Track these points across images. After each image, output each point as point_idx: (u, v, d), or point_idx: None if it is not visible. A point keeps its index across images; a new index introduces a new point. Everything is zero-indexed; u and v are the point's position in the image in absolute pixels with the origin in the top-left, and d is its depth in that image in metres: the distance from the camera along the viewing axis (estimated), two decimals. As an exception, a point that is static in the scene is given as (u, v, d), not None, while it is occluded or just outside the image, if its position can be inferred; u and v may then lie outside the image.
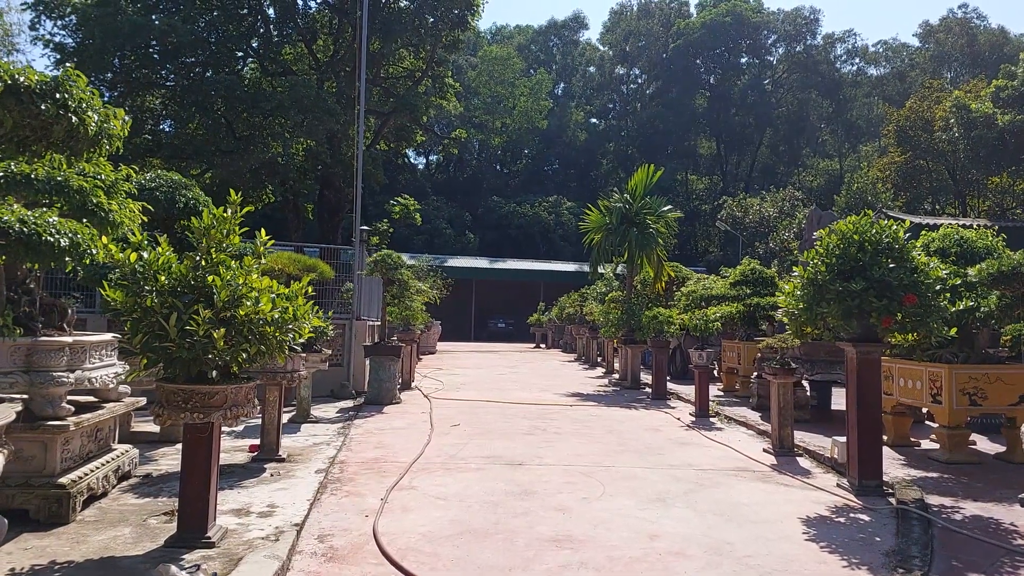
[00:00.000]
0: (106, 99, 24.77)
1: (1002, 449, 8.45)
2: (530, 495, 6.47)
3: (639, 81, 66.31)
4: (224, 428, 9.81)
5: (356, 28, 18.23)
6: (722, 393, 14.81)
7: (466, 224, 50.47)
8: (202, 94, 22.41)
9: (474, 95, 56.15)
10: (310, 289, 5.45)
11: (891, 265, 6.51)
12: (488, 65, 56.60)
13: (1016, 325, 8.79)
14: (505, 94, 56.09)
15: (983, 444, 9.12)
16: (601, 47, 69.36)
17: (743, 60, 62.68)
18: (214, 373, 4.84)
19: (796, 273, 7.08)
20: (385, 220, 25.41)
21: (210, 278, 4.74)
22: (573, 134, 62.62)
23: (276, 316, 5.07)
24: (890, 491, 6.72)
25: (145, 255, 4.88)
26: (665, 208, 17.20)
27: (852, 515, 6.08)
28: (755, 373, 14.09)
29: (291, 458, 7.79)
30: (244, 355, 4.87)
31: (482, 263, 44.46)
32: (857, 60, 63.32)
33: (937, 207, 31.41)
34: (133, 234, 5.24)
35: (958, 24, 52.07)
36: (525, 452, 8.39)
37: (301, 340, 5.39)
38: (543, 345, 35.57)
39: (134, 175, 6.20)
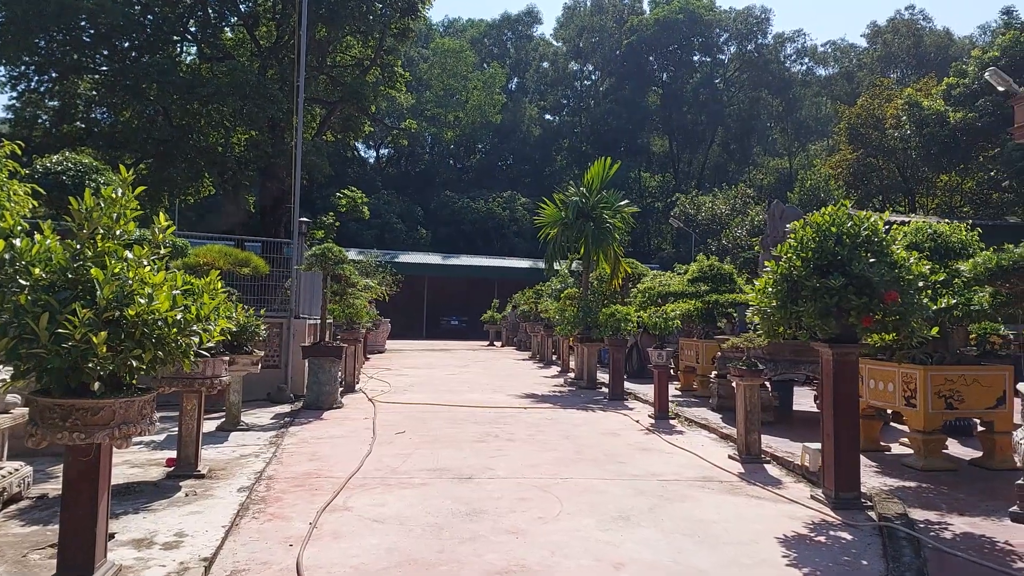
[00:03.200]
0: (33, 83, 23.35)
1: (976, 454, 8.06)
2: (480, 515, 5.79)
3: (593, 77, 66.12)
4: (144, 438, 8.94)
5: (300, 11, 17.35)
6: (680, 393, 14.35)
7: (418, 219, 49.48)
8: (134, 78, 21.11)
9: (426, 88, 55.14)
10: (219, 284, 4.68)
11: (871, 260, 6.00)
12: (440, 57, 55.67)
13: (983, 324, 8.42)
14: (458, 87, 55.22)
15: (954, 448, 8.73)
16: (555, 42, 68.96)
17: (695, 58, 62.90)
18: (97, 385, 4.04)
19: (768, 268, 6.52)
20: (331, 213, 24.43)
21: (93, 271, 3.94)
22: (527, 129, 62.06)
23: (178, 316, 4.30)
24: (868, 503, 6.23)
25: (17, 243, 4.07)
26: (622, 202, 16.67)
27: (832, 533, 5.54)
28: (714, 372, 13.66)
29: (212, 473, 6.96)
30: (135, 362, 4.08)
31: (435, 259, 43.57)
32: (806, 60, 64.12)
33: (888, 205, 31.67)
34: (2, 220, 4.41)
35: (905, 25, 52.92)
36: (475, 463, 7.70)
37: (210, 343, 4.61)
38: (497, 343, 34.91)
39: (19, 151, 5.32)
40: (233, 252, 10.88)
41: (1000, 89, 18.84)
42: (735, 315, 13.28)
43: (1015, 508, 5.69)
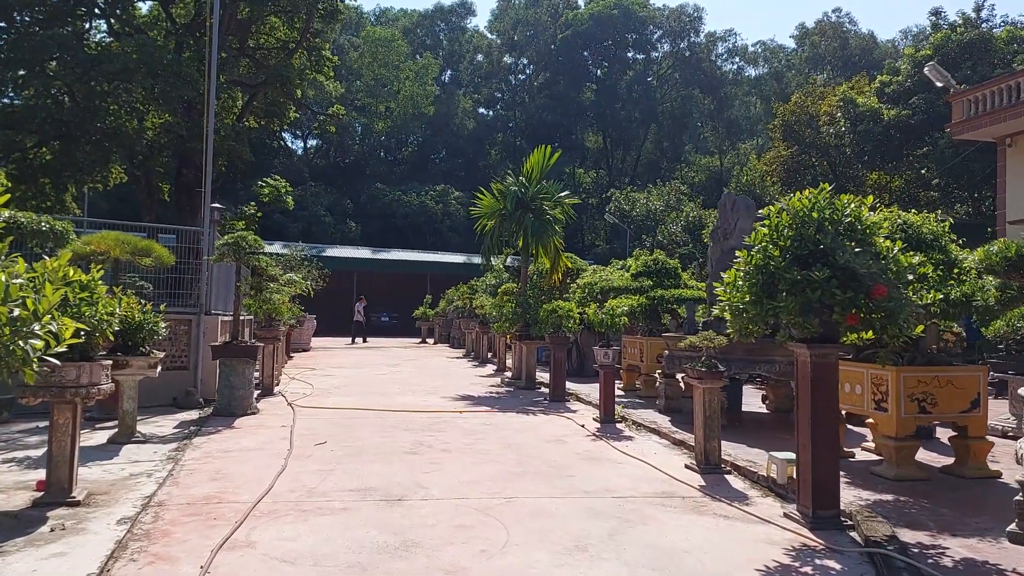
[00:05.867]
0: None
1: (946, 460, 7.56)
2: (411, 549, 4.87)
3: (527, 71, 65.44)
4: (17, 453, 7.69)
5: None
6: (623, 392, 13.67)
7: (347, 212, 47.88)
8: (31, 53, 19.26)
9: (356, 77, 53.48)
10: (72, 272, 3.64)
11: (856, 250, 5.33)
12: (371, 46, 54.01)
13: (941, 321, 7.94)
14: (389, 77, 53.71)
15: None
16: (489, 35, 67.98)
17: (629, 54, 62.91)
18: None
19: (739, 256, 5.80)
20: (252, 203, 22.98)
21: None
22: (461, 122, 60.95)
23: (14, 313, 3.27)
24: (848, 523, 5.57)
25: None
26: (562, 193, 15.90)
27: (818, 561, 4.84)
28: (659, 371, 13.06)
29: (90, 500, 5.84)
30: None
31: (364, 253, 42.13)
32: (737, 59, 64.95)
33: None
34: None
35: (831, 27, 53.99)
36: (406, 480, 6.76)
37: (59, 348, 3.57)
38: (430, 340, 33.86)
39: None
40: (132, 240, 9.62)
41: (938, 84, 18.91)
42: (682, 312, 12.69)
43: (1013, 528, 5.11)
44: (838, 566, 4.76)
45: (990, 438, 7.19)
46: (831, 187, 5.92)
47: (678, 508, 6.05)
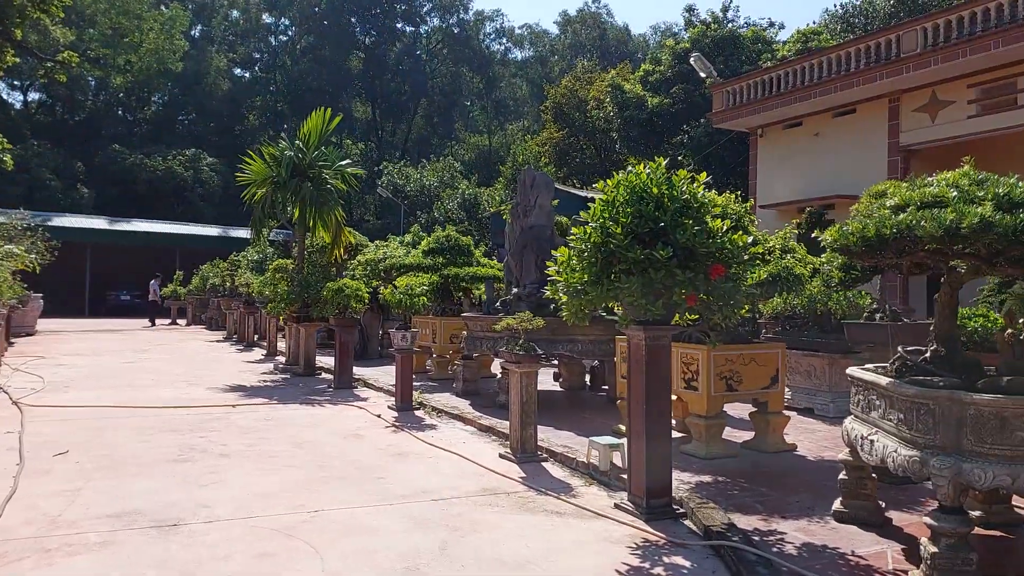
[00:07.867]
0: None
1: (741, 436, 7.81)
2: (203, 596, 3.85)
3: (290, 33, 61.76)
4: None
5: None
6: (413, 375, 13.00)
7: (78, 176, 42.06)
8: None
9: (90, 24, 46.92)
10: None
11: (696, 228, 5.11)
12: (108, -10, 47.63)
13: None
14: (130, 27, 47.70)
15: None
16: (246, -9, 63.11)
17: (399, 25, 61.71)
18: None
19: (574, 235, 5.38)
20: (-44, 160, 19.11)
21: None
22: (214, 82, 56.00)
23: None
24: (680, 510, 5.40)
25: None
26: (344, 162, 14.75)
27: (667, 559, 4.54)
28: (451, 352, 12.67)
29: None
30: None
31: (100, 223, 37.25)
32: (505, 40, 66.27)
33: (587, 185, 33.46)
34: None
35: (591, 17, 56.86)
36: (181, 497, 5.57)
37: None
38: (181, 321, 30.71)
39: None
40: None
41: (702, 75, 20.29)
42: (476, 291, 12.29)
43: (838, 506, 5.21)
44: (687, 563, 4.49)
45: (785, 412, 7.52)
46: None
47: (506, 507, 5.54)
